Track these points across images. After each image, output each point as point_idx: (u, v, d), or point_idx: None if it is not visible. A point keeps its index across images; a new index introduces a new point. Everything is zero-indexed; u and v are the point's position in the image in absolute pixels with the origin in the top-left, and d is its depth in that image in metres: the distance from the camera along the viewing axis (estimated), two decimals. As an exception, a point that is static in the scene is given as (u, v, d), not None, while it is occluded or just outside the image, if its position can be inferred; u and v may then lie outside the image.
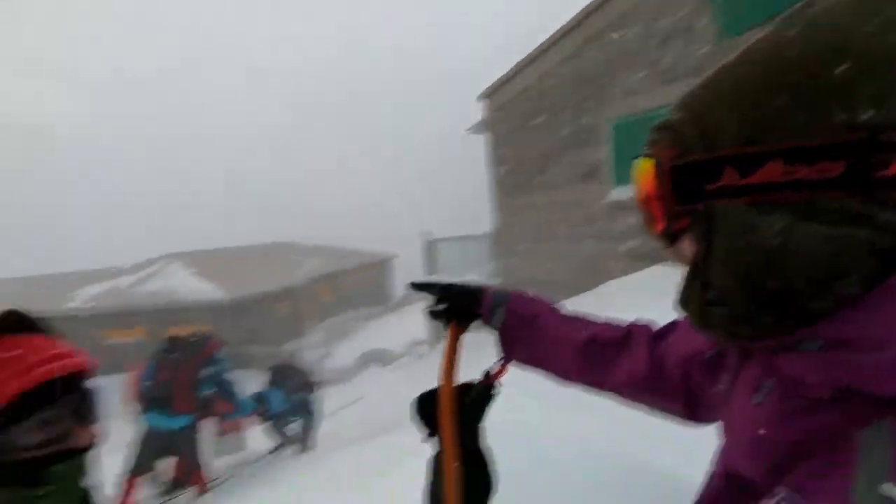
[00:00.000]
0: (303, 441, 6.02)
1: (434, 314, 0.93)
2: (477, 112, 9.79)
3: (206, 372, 4.60)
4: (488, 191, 9.73)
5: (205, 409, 4.71)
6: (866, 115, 0.38)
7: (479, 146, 10.34)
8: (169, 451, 4.55)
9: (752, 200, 0.42)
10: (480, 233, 11.39)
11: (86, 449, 0.78)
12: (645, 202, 0.53)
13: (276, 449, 5.89)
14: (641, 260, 6.41)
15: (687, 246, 0.50)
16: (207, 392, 4.81)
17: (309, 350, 17.11)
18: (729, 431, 0.58)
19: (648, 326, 0.85)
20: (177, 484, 4.71)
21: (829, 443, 0.43)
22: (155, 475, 4.77)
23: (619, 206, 6.81)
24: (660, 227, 0.52)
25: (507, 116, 8.85)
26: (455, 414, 0.77)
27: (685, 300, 0.50)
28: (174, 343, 4.65)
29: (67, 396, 0.76)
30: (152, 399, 4.34)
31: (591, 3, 6.86)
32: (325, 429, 6.43)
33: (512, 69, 8.43)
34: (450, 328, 0.90)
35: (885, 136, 0.37)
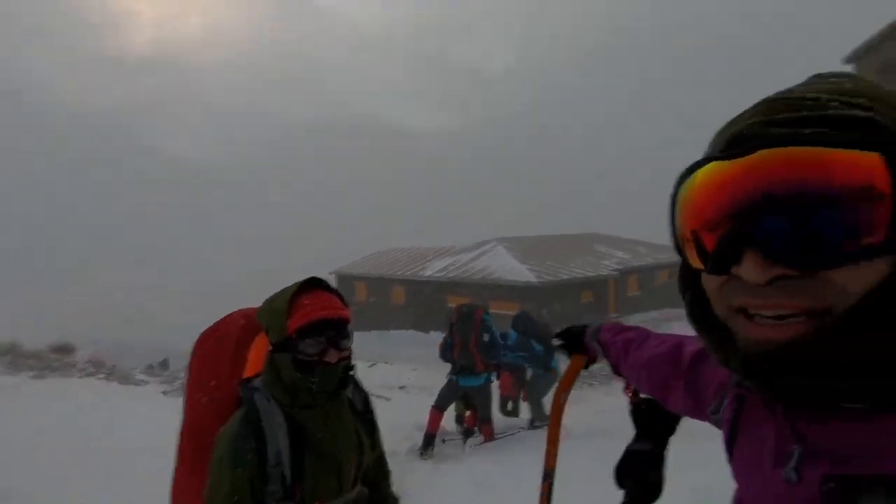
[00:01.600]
0: (531, 410, 6.26)
1: (560, 348, 1.22)
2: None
3: (485, 337, 5.38)
4: None
5: (497, 371, 5.64)
6: None
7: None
8: (467, 402, 5.68)
9: None
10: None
11: (333, 364, 1.32)
12: (843, 200, 0.38)
13: (531, 425, 6.24)
14: None
15: (857, 277, 0.38)
16: (504, 358, 5.66)
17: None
18: (749, 492, 0.53)
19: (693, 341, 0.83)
20: (469, 431, 5.75)
21: None
22: (460, 416, 5.91)
23: None
24: (864, 238, 0.38)
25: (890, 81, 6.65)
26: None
27: (854, 342, 0.39)
28: (456, 313, 5.64)
29: (328, 332, 1.31)
30: (461, 366, 5.43)
31: None
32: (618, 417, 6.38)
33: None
34: (571, 360, 1.18)
35: None
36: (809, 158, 0.38)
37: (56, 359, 10.03)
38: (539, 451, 1.33)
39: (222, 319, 1.56)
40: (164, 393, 8.06)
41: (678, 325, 18.26)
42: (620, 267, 21.68)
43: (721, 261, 0.42)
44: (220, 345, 1.49)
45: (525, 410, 6.51)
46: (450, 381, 5.51)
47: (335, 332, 1.29)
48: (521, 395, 6.56)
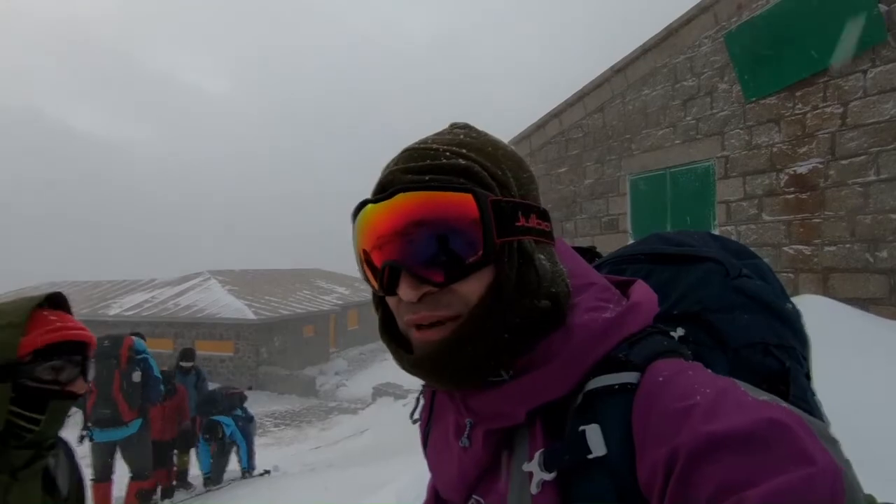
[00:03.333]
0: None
1: None
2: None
3: (135, 376, 4.32)
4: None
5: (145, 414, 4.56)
6: (535, 190, 0.61)
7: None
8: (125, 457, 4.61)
9: (533, 240, 0.55)
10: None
11: (76, 396, 1.04)
12: (453, 231, 0.51)
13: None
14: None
15: (474, 285, 0.51)
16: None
17: (328, 376, 17.25)
18: (439, 469, 0.63)
19: None
20: (147, 494, 4.82)
21: (500, 456, 0.54)
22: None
23: (636, 259, 6.80)
24: (469, 257, 0.50)
25: (535, 163, 9.07)
26: None
27: (471, 340, 0.51)
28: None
29: (77, 356, 1.04)
30: (97, 418, 4.28)
31: (618, 62, 7.10)
32: (335, 451, 6.51)
33: (542, 118, 8.70)
34: None
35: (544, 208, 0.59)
36: (428, 200, 0.51)
37: None
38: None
39: None
40: None
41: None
42: (341, 302, 22.38)
43: (387, 286, 0.53)
44: None
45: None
46: (85, 440, 4.27)
47: (85, 358, 1.04)
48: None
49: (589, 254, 0.74)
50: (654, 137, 6.66)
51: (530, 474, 0.48)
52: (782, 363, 0.60)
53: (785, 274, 5.32)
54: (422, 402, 0.69)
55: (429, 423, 0.66)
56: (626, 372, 0.49)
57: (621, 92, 7.13)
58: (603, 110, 7.45)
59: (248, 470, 6.09)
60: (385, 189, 0.53)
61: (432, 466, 0.64)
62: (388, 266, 0.52)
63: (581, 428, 0.47)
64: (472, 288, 0.51)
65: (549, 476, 0.47)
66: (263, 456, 6.76)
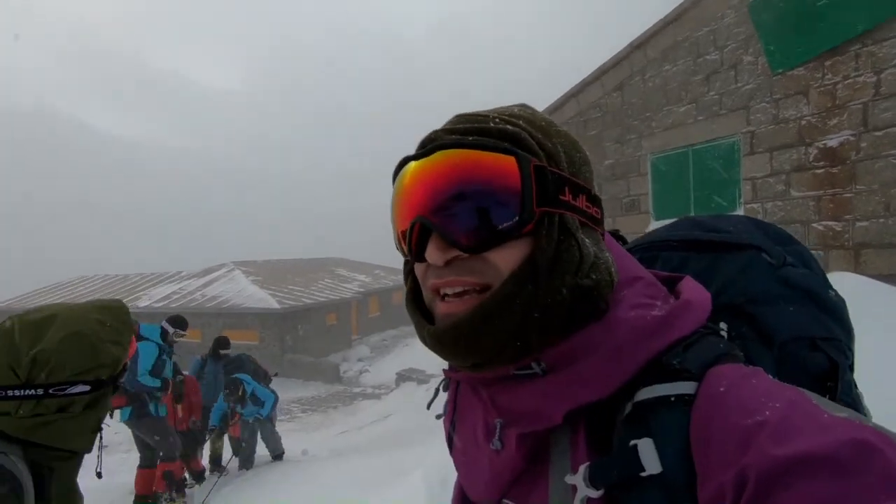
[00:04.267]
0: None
1: None
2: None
3: None
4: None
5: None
6: (591, 185, 0.55)
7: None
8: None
9: (580, 218, 0.51)
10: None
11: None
12: (490, 193, 0.47)
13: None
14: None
15: (507, 255, 0.47)
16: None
17: (351, 363, 17.52)
18: (468, 471, 0.59)
19: None
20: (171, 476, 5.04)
21: (536, 461, 0.50)
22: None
23: (659, 240, 6.68)
24: (503, 223, 0.47)
25: (552, 145, 8.93)
26: None
27: (497, 314, 0.46)
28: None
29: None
30: None
31: (637, 37, 6.91)
32: (362, 436, 6.63)
33: (559, 99, 8.55)
34: None
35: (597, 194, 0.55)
36: (467, 158, 0.48)
37: None
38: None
39: None
40: None
41: (412, 339, 20.03)
42: (362, 290, 22.64)
43: (416, 248, 0.49)
44: None
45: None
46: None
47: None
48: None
49: (614, 238, 0.68)
50: (676, 114, 6.49)
51: (573, 487, 0.44)
52: (830, 358, 0.56)
53: (814, 251, 5.17)
54: (443, 394, 0.65)
55: (453, 418, 0.63)
56: (682, 381, 0.44)
57: (641, 68, 6.95)
58: (622, 88, 7.28)
59: (276, 454, 6.27)
60: (425, 146, 0.51)
61: (459, 467, 0.61)
62: (417, 223, 0.48)
63: (633, 442, 0.43)
64: (506, 258, 0.47)
65: (595, 493, 0.43)
66: (292, 441, 6.95)
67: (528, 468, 0.51)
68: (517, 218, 0.46)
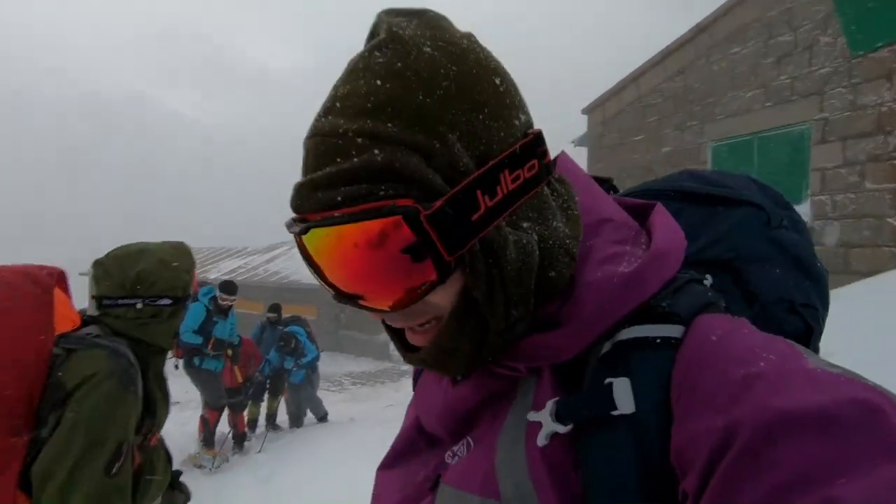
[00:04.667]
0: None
1: None
2: (581, 125, 9.78)
3: None
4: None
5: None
6: (526, 117, 0.46)
7: (581, 160, 10.28)
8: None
9: (506, 216, 0.43)
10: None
11: None
12: (392, 262, 0.41)
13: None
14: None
15: (442, 295, 0.43)
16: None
17: (401, 342, 17.97)
18: (425, 401, 0.59)
19: None
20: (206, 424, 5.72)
21: (500, 398, 0.50)
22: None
23: (716, 231, 6.45)
24: (419, 283, 0.42)
25: (609, 132, 8.74)
26: None
27: (452, 349, 0.46)
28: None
29: None
30: None
31: (703, 19, 6.60)
32: (402, 411, 7.00)
33: (617, 84, 8.33)
34: None
35: (535, 131, 0.46)
36: (346, 237, 0.40)
37: None
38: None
39: None
40: None
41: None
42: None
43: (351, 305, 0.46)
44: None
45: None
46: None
47: None
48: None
49: (605, 186, 0.65)
50: (742, 100, 6.19)
51: (536, 424, 0.43)
52: (807, 322, 0.56)
53: (888, 248, 4.83)
54: None
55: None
56: (669, 324, 0.43)
57: (705, 52, 6.65)
58: (684, 72, 7.00)
59: (320, 416, 6.73)
60: (297, 211, 0.44)
61: (419, 399, 0.61)
62: (338, 296, 0.45)
63: (608, 380, 0.41)
64: (441, 297, 0.43)
65: (563, 429, 0.41)
66: (340, 409, 7.35)
67: (488, 406, 0.50)
68: (433, 277, 0.41)
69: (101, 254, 1.43)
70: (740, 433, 0.33)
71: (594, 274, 0.46)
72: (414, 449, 0.59)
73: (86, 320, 1.36)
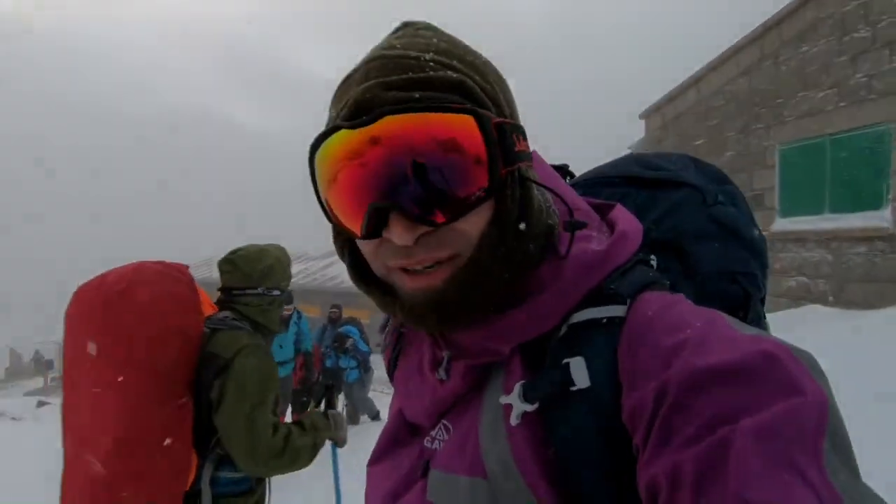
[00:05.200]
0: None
1: None
2: (638, 130, 9.55)
3: None
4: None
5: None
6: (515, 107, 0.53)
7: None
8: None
9: (528, 165, 0.49)
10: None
11: None
12: (453, 161, 0.44)
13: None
14: (800, 301, 5.68)
15: (474, 222, 0.45)
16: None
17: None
18: (409, 396, 0.60)
19: None
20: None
21: (477, 384, 0.52)
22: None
23: (785, 239, 6.11)
24: (471, 192, 0.44)
25: (668, 136, 8.48)
26: None
27: (474, 284, 0.46)
28: None
29: None
30: None
31: (770, 17, 6.31)
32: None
33: (676, 87, 8.09)
34: None
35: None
36: (423, 123, 0.43)
37: None
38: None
39: (125, 278, 1.38)
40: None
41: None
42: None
43: (372, 228, 0.45)
44: (141, 299, 1.35)
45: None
46: None
47: None
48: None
49: (561, 172, 0.67)
50: (813, 101, 5.86)
51: (508, 406, 0.46)
52: (745, 290, 0.61)
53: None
54: (388, 326, 0.67)
55: (395, 349, 0.65)
56: (614, 305, 0.47)
57: (773, 51, 6.35)
58: (750, 73, 6.71)
59: (373, 415, 6.93)
60: (362, 111, 0.44)
61: (401, 392, 0.62)
62: (375, 208, 0.44)
63: (565, 360, 0.45)
64: (473, 224, 0.45)
65: (530, 407, 0.45)
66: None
67: (466, 394, 0.53)
68: (486, 185, 0.44)
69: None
70: (670, 390, 0.38)
71: (571, 249, 0.50)
72: (398, 441, 0.61)
73: (220, 306, 1.66)
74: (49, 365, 18.60)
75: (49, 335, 20.31)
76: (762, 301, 0.65)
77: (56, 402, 10.46)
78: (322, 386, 6.51)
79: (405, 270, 0.47)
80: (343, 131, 0.44)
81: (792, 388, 0.35)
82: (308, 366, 5.92)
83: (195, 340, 1.41)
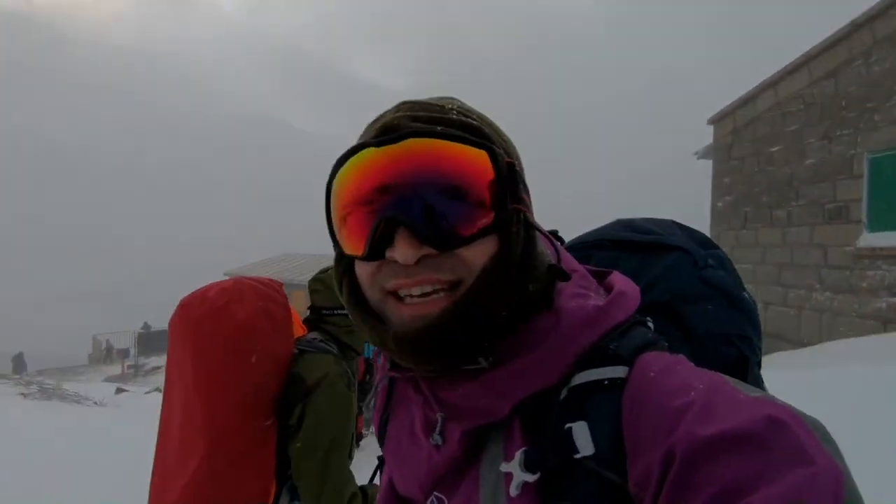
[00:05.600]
0: None
1: None
2: (703, 136, 9.07)
3: None
4: (708, 222, 8.90)
5: None
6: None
7: (697, 173, 9.51)
8: None
9: (530, 215, 0.51)
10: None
11: None
12: (465, 188, 0.46)
13: None
14: (889, 324, 5.17)
15: (477, 252, 0.46)
16: None
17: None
18: (402, 465, 0.57)
19: None
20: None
21: (474, 450, 0.50)
22: None
23: (873, 255, 5.59)
24: (479, 220, 0.46)
25: (739, 142, 8.01)
26: None
27: (470, 314, 0.45)
28: None
29: None
30: None
31: (859, 15, 5.82)
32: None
33: (751, 91, 7.62)
34: None
35: None
36: (443, 149, 0.45)
37: None
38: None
39: (221, 295, 1.38)
40: (25, 395, 7.21)
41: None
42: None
43: (377, 244, 0.46)
44: (238, 317, 1.36)
45: None
46: None
47: None
48: None
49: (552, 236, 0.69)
50: (910, 105, 5.33)
51: (508, 475, 0.45)
52: (742, 352, 0.60)
53: None
54: (377, 385, 0.65)
55: (385, 411, 0.63)
56: (615, 366, 0.46)
57: (863, 51, 5.84)
58: (835, 76, 6.20)
59: None
60: (388, 132, 0.47)
61: (392, 461, 0.59)
62: (385, 220, 0.45)
63: (567, 426, 0.44)
64: (477, 254, 0.46)
65: (531, 477, 0.43)
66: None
67: (462, 460, 0.50)
68: (493, 215, 0.46)
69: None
70: (675, 460, 0.37)
71: (569, 304, 0.50)
72: None
73: (308, 326, 1.64)
74: (125, 353, 20.09)
75: (128, 325, 21.98)
76: (758, 365, 0.64)
77: (132, 389, 11.31)
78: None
79: (398, 298, 0.47)
80: (369, 149, 0.47)
81: (802, 457, 0.34)
82: (370, 370, 6.02)
83: (284, 361, 1.41)
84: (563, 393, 0.46)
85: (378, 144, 0.46)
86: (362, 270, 0.49)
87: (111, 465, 4.19)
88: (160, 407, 1.41)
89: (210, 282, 1.48)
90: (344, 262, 0.53)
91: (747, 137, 7.70)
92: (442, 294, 0.46)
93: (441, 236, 0.45)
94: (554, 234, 0.68)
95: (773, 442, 0.35)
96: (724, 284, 0.63)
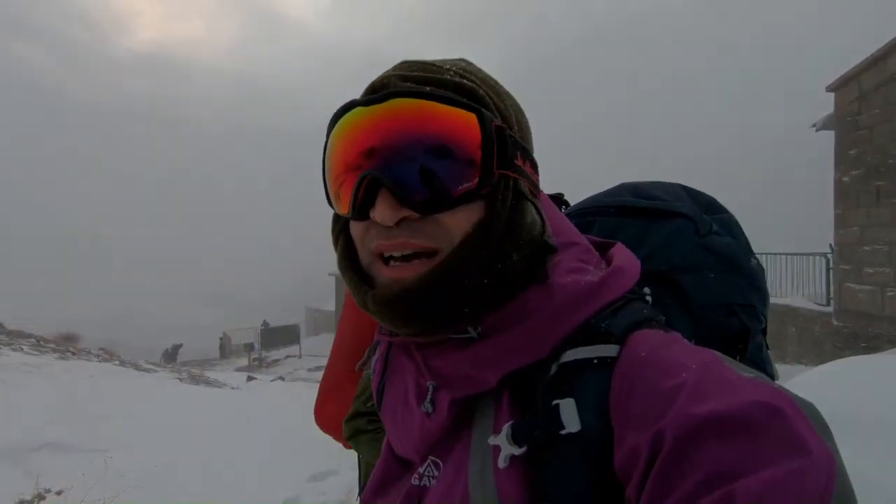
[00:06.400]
0: None
1: None
2: (821, 106, 8.21)
3: None
4: (832, 199, 8.04)
5: None
6: (531, 140, 0.54)
7: (812, 147, 8.57)
8: None
9: (526, 184, 0.50)
10: (814, 251, 9.41)
11: None
12: (449, 151, 0.45)
13: None
14: None
15: (460, 219, 0.45)
16: None
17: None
18: (397, 429, 0.58)
19: None
20: None
21: (462, 421, 0.50)
22: None
23: None
24: (461, 184, 0.45)
25: (867, 109, 7.16)
26: None
27: (449, 281, 0.45)
28: None
29: None
30: None
31: None
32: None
33: (880, 50, 6.79)
34: None
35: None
36: (424, 109, 0.44)
37: (68, 346, 10.41)
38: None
39: None
40: (180, 380, 8.61)
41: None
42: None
43: (361, 204, 0.46)
44: None
45: None
46: None
47: None
48: None
49: (556, 201, 0.67)
50: None
51: (497, 448, 0.45)
52: (743, 322, 0.60)
53: None
54: (375, 354, 0.66)
55: (382, 379, 0.63)
56: (606, 344, 0.46)
57: None
58: None
59: None
60: (376, 91, 0.47)
61: (389, 426, 0.60)
62: (368, 177, 0.45)
63: (555, 402, 0.43)
64: (459, 221, 0.45)
65: (518, 451, 0.43)
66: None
67: (454, 427, 0.51)
68: (477, 180, 0.45)
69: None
70: (666, 440, 0.36)
71: (564, 279, 0.50)
72: (390, 477, 0.60)
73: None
74: (251, 347, 22.43)
75: (250, 322, 24.56)
76: (764, 331, 0.63)
77: (259, 377, 12.90)
78: None
79: (384, 261, 0.48)
80: (357, 109, 0.47)
81: (796, 445, 0.33)
82: None
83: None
84: (553, 369, 0.46)
85: (366, 103, 0.46)
86: (354, 231, 0.50)
87: (252, 430, 5.72)
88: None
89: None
90: (341, 221, 0.54)
91: (877, 103, 6.87)
92: (423, 259, 0.46)
93: (421, 199, 0.45)
94: (559, 198, 0.68)
95: (766, 427, 0.34)
96: (728, 251, 0.63)
